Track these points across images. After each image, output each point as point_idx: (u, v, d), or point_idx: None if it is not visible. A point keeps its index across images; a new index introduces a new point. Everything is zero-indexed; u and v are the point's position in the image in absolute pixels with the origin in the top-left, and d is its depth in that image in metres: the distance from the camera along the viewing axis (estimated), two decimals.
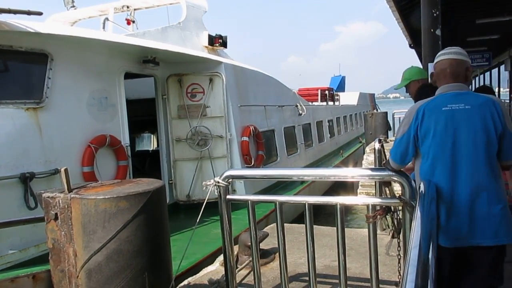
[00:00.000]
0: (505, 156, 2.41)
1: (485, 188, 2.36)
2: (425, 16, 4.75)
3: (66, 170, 2.60)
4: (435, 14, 4.69)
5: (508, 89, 20.69)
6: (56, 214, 2.53)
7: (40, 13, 5.14)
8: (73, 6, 9.50)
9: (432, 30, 4.69)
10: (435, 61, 2.62)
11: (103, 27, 8.08)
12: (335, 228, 2.98)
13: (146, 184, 2.75)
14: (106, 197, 2.46)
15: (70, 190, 2.58)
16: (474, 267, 2.46)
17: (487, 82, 21.66)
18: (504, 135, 2.36)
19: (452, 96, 2.45)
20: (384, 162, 3.02)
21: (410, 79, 4.26)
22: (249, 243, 3.44)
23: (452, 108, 2.40)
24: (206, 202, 3.36)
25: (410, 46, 14.01)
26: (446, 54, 2.55)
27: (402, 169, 2.80)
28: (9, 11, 4.78)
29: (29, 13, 4.95)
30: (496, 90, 22.37)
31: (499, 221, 2.34)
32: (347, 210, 8.70)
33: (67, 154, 5.44)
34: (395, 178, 2.74)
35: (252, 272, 3.45)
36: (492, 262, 2.44)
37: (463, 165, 2.40)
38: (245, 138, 8.18)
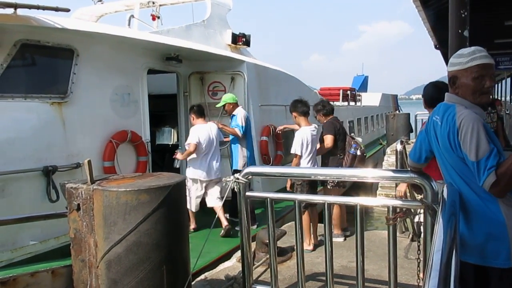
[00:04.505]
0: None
1: (465, 203, 2.25)
2: (453, 17, 4.64)
3: (89, 162, 2.65)
4: (463, 15, 4.57)
5: None
6: (78, 204, 2.58)
7: (67, 10, 5.26)
8: (100, 1, 9.66)
9: (460, 31, 4.58)
10: None
11: (128, 24, 8.18)
12: (353, 228, 2.96)
13: (167, 178, 2.78)
14: (128, 189, 2.49)
15: (92, 181, 2.63)
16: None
17: None
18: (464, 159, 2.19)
19: (441, 106, 2.40)
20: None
21: (225, 102, 6.54)
22: (267, 241, 3.44)
23: (436, 119, 2.38)
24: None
25: (435, 47, 13.72)
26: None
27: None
28: (37, 7, 4.90)
29: (57, 9, 5.06)
30: None
31: (483, 240, 2.21)
32: (365, 211, 8.63)
33: (89, 149, 5.52)
34: (417, 181, 2.71)
35: (268, 270, 3.46)
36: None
37: (449, 175, 2.35)
38: (264, 138, 8.17)
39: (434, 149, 2.48)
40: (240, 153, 6.54)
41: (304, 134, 5.30)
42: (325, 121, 5.71)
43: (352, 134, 5.85)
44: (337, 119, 5.86)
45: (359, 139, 5.93)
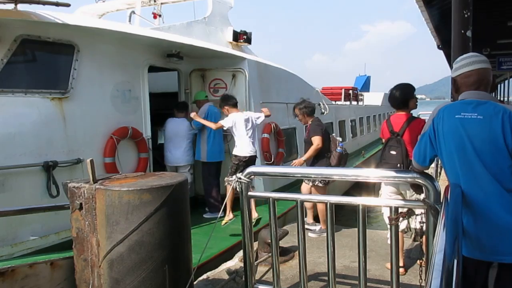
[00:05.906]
0: None
1: (495, 200, 2.22)
2: (455, 17, 4.62)
3: (92, 161, 2.63)
4: (466, 15, 4.55)
5: None
6: (81, 204, 2.56)
7: (68, 5, 5.21)
8: None
9: (462, 31, 4.56)
10: (463, 70, 2.47)
11: (129, 20, 8.15)
12: (355, 228, 2.95)
13: (169, 177, 2.77)
14: (130, 189, 2.48)
15: (95, 181, 2.61)
16: (500, 286, 2.28)
17: None
18: None
19: (468, 104, 2.36)
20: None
21: (195, 99, 7.30)
22: (269, 240, 3.43)
23: (465, 116, 2.33)
24: (224, 197, 3.37)
25: (438, 47, 13.71)
26: (473, 64, 2.44)
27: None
28: (38, 2, 4.87)
29: (57, 4, 5.03)
30: None
31: (493, 236, 2.20)
32: (367, 211, 8.59)
33: (89, 145, 5.50)
34: (420, 181, 2.70)
35: (270, 269, 3.45)
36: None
37: (472, 173, 2.31)
38: (266, 135, 8.15)
39: (446, 148, 2.41)
40: (200, 146, 7.08)
41: (235, 115, 6.18)
42: (310, 122, 5.91)
43: (333, 134, 6.51)
44: (319, 120, 6.05)
45: (339, 138, 6.43)
